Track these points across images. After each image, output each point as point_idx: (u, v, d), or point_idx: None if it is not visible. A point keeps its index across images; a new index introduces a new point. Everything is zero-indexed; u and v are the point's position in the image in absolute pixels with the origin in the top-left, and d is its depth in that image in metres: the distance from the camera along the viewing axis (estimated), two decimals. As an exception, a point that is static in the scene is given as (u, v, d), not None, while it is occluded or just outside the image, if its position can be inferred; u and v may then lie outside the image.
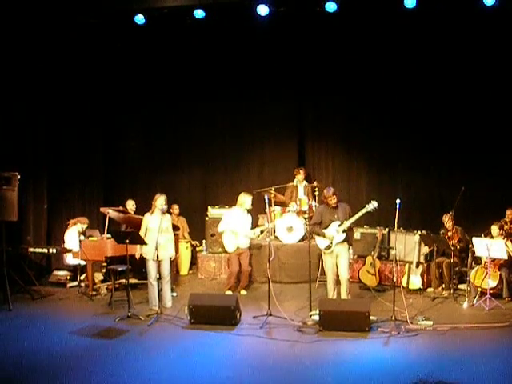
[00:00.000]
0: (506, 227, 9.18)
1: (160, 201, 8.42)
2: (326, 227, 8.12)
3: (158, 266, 8.41)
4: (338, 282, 8.20)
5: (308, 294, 8.15)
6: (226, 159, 11.85)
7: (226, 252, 9.95)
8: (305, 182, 10.92)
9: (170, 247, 8.59)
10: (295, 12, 9.82)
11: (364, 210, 8.05)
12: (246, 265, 9.54)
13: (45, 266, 10.72)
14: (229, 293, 9.30)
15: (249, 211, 9.53)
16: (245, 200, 9.43)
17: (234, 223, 9.41)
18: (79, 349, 6.88)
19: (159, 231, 8.17)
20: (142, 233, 8.43)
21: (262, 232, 10.27)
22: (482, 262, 8.83)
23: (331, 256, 8.16)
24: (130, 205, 10.54)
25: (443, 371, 5.88)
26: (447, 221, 9.42)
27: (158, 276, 8.44)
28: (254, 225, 10.14)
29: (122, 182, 12.01)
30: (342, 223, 8.07)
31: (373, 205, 8.03)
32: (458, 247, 9.25)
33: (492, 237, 8.80)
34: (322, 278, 9.33)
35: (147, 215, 8.58)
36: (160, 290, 8.47)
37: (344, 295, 8.12)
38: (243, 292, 9.49)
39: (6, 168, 9.02)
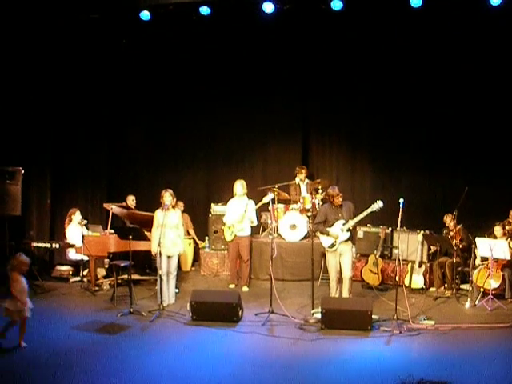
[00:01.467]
0: (509, 227, 9.15)
1: (166, 197, 8.42)
2: (331, 226, 8.12)
3: (167, 262, 8.45)
4: (340, 281, 8.21)
5: (310, 292, 8.15)
6: (230, 156, 11.81)
7: (228, 250, 10.02)
8: (307, 180, 10.90)
9: (179, 243, 8.60)
10: (300, 10, 9.81)
11: (369, 210, 8.04)
12: (245, 255, 9.57)
13: (48, 260, 10.73)
14: (232, 286, 9.42)
15: (249, 197, 9.59)
16: (235, 187, 9.57)
17: (232, 213, 9.54)
18: (81, 344, 6.90)
19: (166, 227, 8.23)
20: (154, 229, 8.46)
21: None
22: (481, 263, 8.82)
23: (334, 254, 8.15)
24: (130, 200, 10.59)
25: (444, 371, 5.88)
26: (449, 221, 9.42)
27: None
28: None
29: (126, 177, 11.98)
30: (346, 222, 8.07)
31: (378, 205, 8.03)
32: (461, 246, 9.24)
33: (495, 237, 8.79)
34: (324, 276, 9.33)
35: (158, 212, 8.57)
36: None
37: (346, 293, 8.12)
38: (245, 289, 9.50)
39: (10, 163, 9.04)
